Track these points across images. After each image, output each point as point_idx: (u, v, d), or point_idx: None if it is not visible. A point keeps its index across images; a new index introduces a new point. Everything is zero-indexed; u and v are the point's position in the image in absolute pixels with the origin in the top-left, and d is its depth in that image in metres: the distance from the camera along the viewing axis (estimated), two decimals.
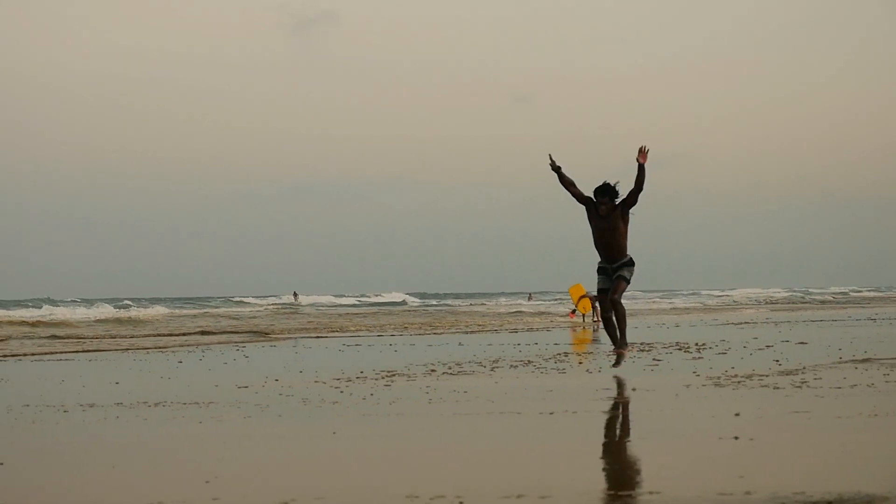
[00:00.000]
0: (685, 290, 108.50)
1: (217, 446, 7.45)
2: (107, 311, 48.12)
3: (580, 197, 12.04)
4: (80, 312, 45.16)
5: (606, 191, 11.85)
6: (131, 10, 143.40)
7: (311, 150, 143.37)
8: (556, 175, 12.10)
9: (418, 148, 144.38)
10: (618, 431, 7.64)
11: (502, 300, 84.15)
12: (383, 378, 12.39)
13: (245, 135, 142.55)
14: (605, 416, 8.46)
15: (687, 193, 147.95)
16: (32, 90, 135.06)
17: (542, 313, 47.78)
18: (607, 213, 11.86)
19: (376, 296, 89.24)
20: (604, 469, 6.17)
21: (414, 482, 5.84)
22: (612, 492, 5.40)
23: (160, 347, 22.02)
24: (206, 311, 54.01)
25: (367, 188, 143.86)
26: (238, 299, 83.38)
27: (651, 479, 5.69)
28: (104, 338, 27.31)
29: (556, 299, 75.76)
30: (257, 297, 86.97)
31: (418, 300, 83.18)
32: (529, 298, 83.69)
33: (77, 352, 20.53)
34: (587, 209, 12.03)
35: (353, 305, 70.97)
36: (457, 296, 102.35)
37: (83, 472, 6.48)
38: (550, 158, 12.06)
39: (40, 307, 54.60)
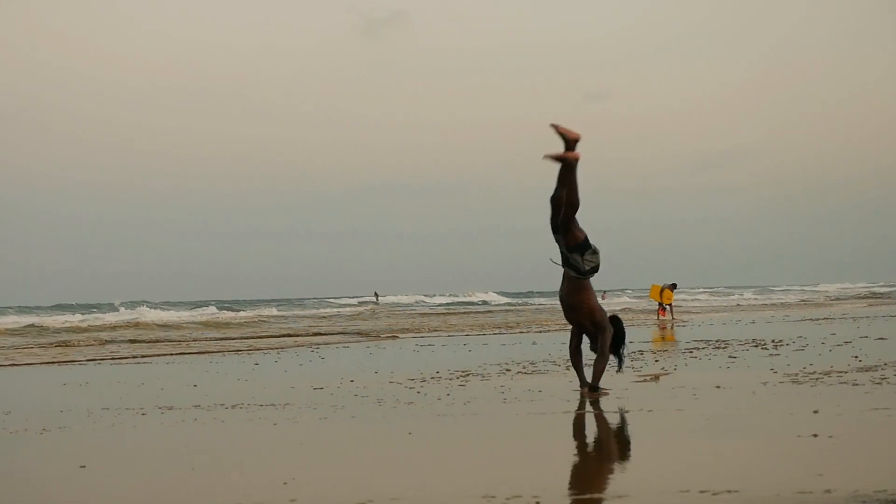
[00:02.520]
0: (779, 286, 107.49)
1: (293, 447, 7.51)
2: (190, 314, 48.73)
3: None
4: (167, 316, 45.78)
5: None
6: (198, 9, 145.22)
7: (389, 150, 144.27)
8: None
9: (491, 146, 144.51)
10: (694, 429, 7.57)
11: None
12: (458, 378, 12.41)
13: (322, 136, 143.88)
14: (681, 414, 8.39)
15: (770, 189, 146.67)
16: (139, 92, 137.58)
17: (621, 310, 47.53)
18: None
19: (468, 295, 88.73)
20: (681, 467, 6.12)
21: (490, 482, 5.84)
22: (690, 490, 5.36)
23: (239, 350, 22.21)
24: (293, 312, 54.45)
25: (446, 187, 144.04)
26: (329, 299, 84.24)
27: (729, 477, 5.64)
28: (185, 341, 27.62)
29: (637, 296, 75.39)
30: (346, 297, 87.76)
31: (506, 299, 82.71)
32: (603, 297, 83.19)
33: (157, 355, 20.79)
34: None
35: (436, 305, 70.85)
36: (541, 293, 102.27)
37: (163, 475, 6.56)
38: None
39: (112, 310, 55.57)
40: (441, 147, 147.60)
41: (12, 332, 34.06)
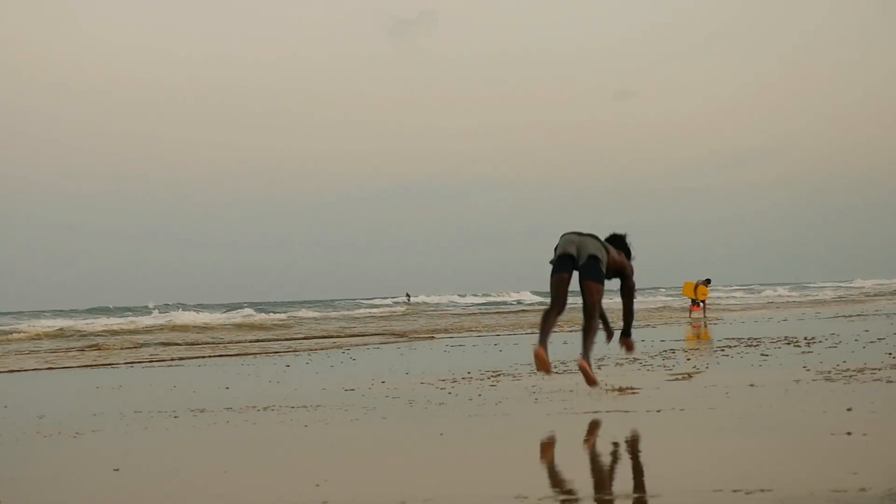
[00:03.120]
0: (814, 283, 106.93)
1: (325, 449, 7.51)
2: (224, 316, 48.99)
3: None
4: (200, 318, 46.06)
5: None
6: (225, 12, 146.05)
7: (418, 150, 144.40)
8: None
9: (520, 145, 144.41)
10: (726, 428, 7.53)
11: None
12: (489, 378, 12.40)
13: (348, 136, 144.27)
14: (713, 413, 8.35)
15: (802, 184, 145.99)
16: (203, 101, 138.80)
17: (658, 308, 47.46)
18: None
19: (501, 295, 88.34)
20: (713, 466, 6.09)
21: (522, 483, 5.83)
22: (723, 490, 5.33)
23: (274, 351, 22.27)
24: (325, 314, 54.63)
25: (477, 188, 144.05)
26: (361, 300, 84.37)
27: (763, 475, 5.61)
28: (218, 343, 27.73)
29: (671, 295, 75.20)
30: (378, 298, 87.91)
31: (541, 297, 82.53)
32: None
33: (189, 358, 20.87)
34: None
35: (469, 305, 70.66)
36: (574, 292, 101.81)
37: (195, 477, 6.58)
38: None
39: (146, 313, 55.91)
40: (472, 148, 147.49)
41: (48, 336, 34.44)
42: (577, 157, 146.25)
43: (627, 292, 10.64)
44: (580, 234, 10.33)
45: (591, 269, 10.12)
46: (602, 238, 10.54)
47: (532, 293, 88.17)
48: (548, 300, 10.60)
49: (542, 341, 10.06)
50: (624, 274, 10.59)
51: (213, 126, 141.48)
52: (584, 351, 10.06)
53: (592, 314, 10.11)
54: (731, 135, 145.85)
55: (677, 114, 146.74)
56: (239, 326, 39.58)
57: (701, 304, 35.88)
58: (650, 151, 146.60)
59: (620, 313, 10.84)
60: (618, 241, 10.66)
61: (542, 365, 9.99)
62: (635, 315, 10.65)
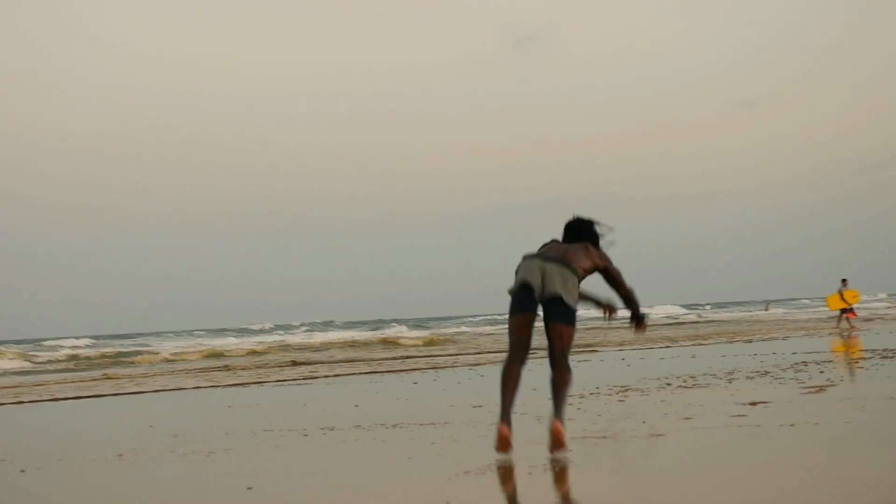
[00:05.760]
0: None
1: (453, 466, 7.50)
2: (368, 334, 49.91)
3: None
4: (339, 336, 47.02)
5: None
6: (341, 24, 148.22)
7: (538, 167, 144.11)
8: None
9: (646, 160, 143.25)
10: (863, 443, 7.36)
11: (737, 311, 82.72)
12: (617, 393, 12.31)
13: (465, 151, 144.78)
14: (849, 427, 8.17)
15: None
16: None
17: (786, 321, 46.70)
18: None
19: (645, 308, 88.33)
20: (849, 482, 5.96)
21: (649, 499, 5.78)
22: None
23: (400, 370, 22.42)
24: (437, 332, 55.10)
25: (603, 199, 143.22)
26: (467, 318, 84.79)
27: (893, 491, 5.48)
28: (352, 361, 28.03)
29: (814, 305, 74.02)
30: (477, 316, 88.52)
31: (683, 311, 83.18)
32: (766, 308, 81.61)
33: (319, 376, 21.12)
34: None
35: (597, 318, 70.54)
36: (720, 305, 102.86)
37: (326, 496, 6.64)
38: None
39: (281, 331, 57.05)
40: (600, 159, 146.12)
41: (192, 356, 35.72)
42: (698, 167, 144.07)
43: (615, 283, 8.45)
44: (546, 257, 8.06)
45: (559, 308, 7.96)
46: (573, 233, 8.53)
47: (678, 306, 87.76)
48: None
49: (505, 416, 7.86)
50: (604, 270, 8.39)
51: (354, 146, 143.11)
52: (556, 410, 7.83)
53: (563, 364, 8.06)
54: (858, 143, 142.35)
55: (800, 123, 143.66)
56: (377, 343, 40.24)
57: (853, 308, 34.73)
58: (774, 159, 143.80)
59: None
60: (584, 232, 8.50)
61: (503, 445, 7.73)
62: (635, 295, 8.48)
